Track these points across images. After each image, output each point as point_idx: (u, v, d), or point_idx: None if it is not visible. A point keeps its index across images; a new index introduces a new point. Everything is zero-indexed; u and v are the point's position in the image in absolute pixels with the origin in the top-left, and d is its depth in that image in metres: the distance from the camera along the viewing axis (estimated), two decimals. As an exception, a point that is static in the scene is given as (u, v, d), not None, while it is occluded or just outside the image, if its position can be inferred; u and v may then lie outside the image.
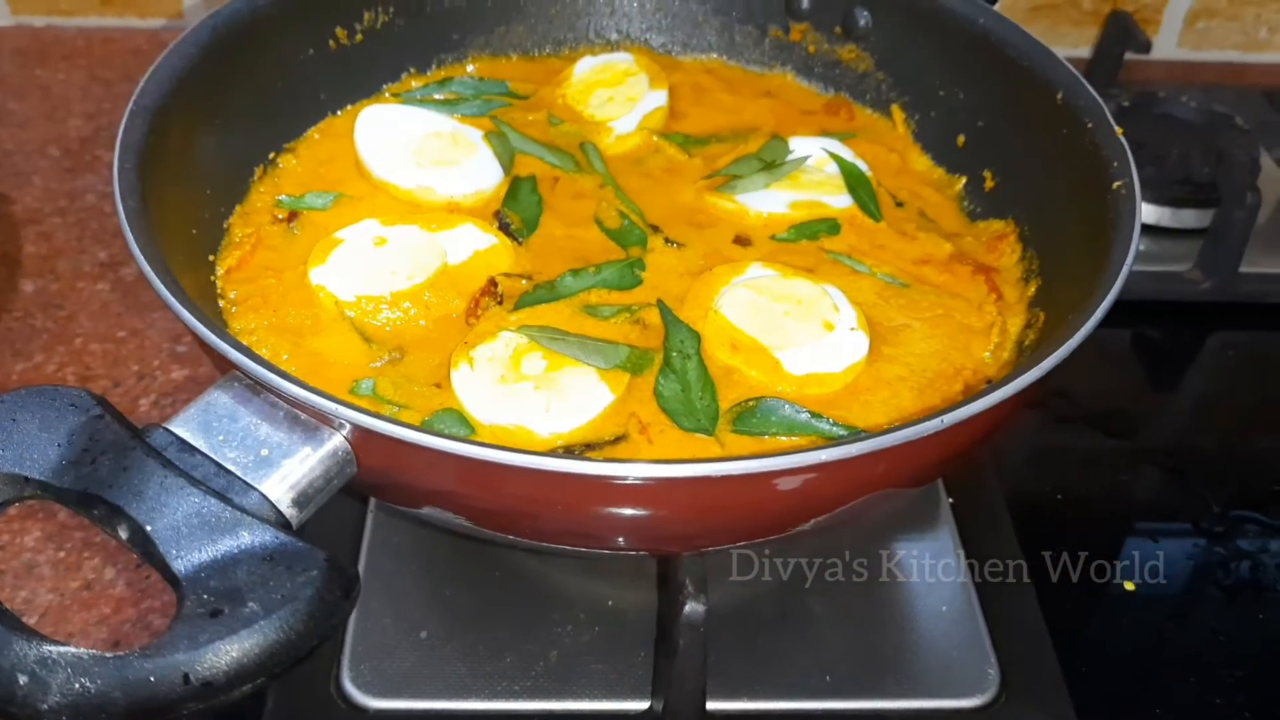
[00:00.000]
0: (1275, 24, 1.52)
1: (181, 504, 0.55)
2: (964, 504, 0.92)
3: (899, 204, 0.95)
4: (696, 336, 0.80)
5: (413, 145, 0.93)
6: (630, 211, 0.91)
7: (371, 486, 0.65)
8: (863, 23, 1.05)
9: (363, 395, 0.75)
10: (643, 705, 0.78)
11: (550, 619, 0.83)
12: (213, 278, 0.83)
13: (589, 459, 0.68)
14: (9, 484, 0.57)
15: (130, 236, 0.67)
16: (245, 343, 0.72)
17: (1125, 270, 0.70)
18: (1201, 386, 1.11)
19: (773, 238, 0.90)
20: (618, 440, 0.73)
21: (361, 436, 0.59)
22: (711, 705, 0.77)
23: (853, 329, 0.80)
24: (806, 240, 0.90)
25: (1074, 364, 0.64)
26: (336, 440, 0.60)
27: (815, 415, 0.75)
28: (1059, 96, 0.86)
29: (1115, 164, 0.79)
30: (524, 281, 0.84)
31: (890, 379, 0.79)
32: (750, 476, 0.58)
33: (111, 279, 1.12)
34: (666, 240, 0.89)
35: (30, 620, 0.82)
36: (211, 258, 0.84)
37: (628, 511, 0.62)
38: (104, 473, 0.56)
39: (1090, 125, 0.83)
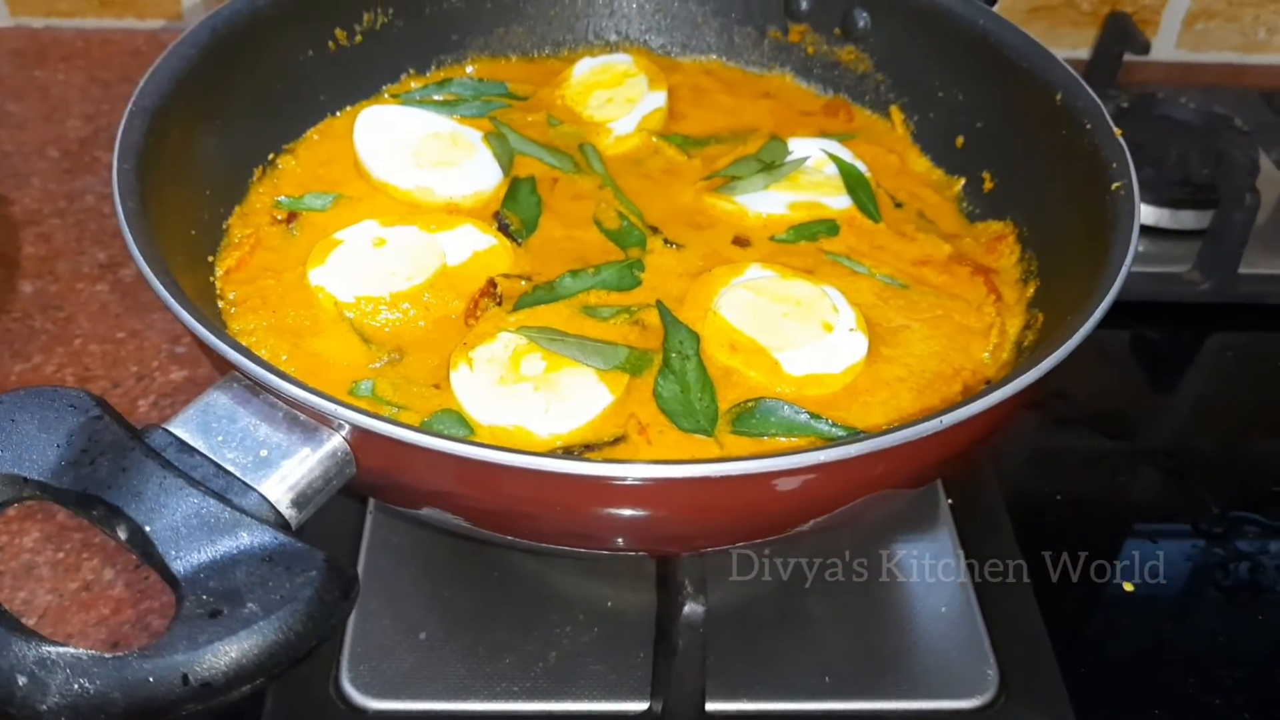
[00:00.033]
0: (1274, 25, 1.52)
1: (180, 504, 0.55)
2: (963, 505, 0.92)
3: (898, 205, 0.95)
4: (695, 337, 0.80)
5: (412, 146, 0.93)
6: (629, 212, 0.91)
7: (371, 487, 0.65)
8: (862, 24, 1.05)
9: (362, 396, 0.75)
10: (642, 706, 0.78)
11: (549, 620, 0.83)
12: (212, 279, 0.83)
13: (588, 460, 0.68)
14: (8, 485, 0.57)
15: (129, 237, 0.67)
16: (244, 344, 0.71)
17: (1124, 271, 0.70)
18: (1200, 388, 1.11)
19: (772, 239, 0.90)
20: (617, 441, 0.73)
21: (361, 437, 0.59)
22: (711, 706, 0.77)
23: (852, 330, 0.80)
24: (805, 241, 0.90)
25: (1073, 365, 0.64)
26: (336, 441, 0.60)
27: (814, 416, 0.75)
28: (1058, 98, 0.86)
29: (1114, 165, 0.79)
30: (523, 282, 0.84)
31: (889, 380, 0.79)
32: (749, 477, 0.58)
33: (110, 280, 1.12)
34: (666, 241, 0.89)
35: (29, 621, 0.82)
36: (211, 259, 0.84)
37: (627, 512, 0.62)
38: (103, 473, 0.56)
39: (1089, 126, 0.83)
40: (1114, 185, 0.77)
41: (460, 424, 0.73)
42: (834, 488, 0.64)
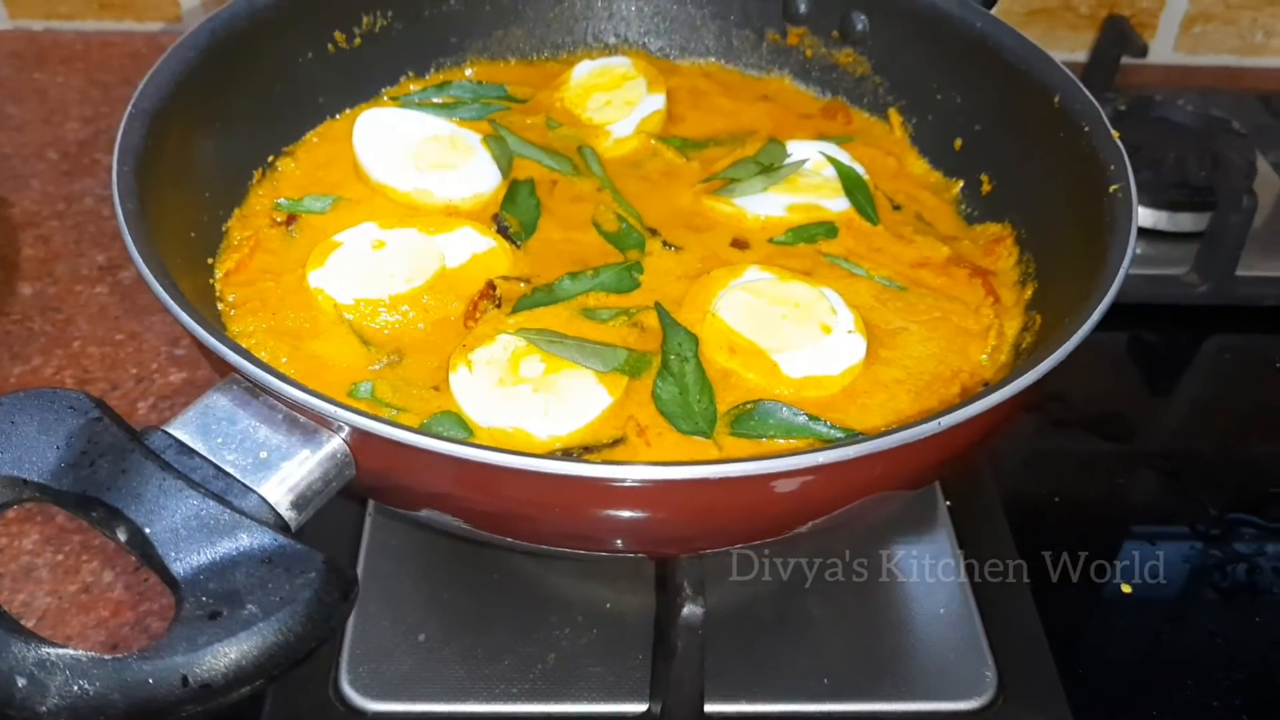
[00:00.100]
0: (1271, 28, 1.52)
1: (180, 506, 0.55)
2: (961, 507, 0.92)
3: (896, 207, 0.95)
4: (694, 339, 0.80)
5: (411, 149, 0.93)
6: (628, 215, 0.92)
7: (370, 489, 0.65)
8: (860, 27, 1.05)
9: (361, 398, 0.75)
10: (641, 708, 0.79)
11: (548, 621, 0.83)
12: (211, 281, 0.83)
13: (587, 461, 0.68)
14: (7, 486, 0.57)
15: (129, 239, 0.67)
16: (244, 345, 0.71)
17: (1122, 273, 0.70)
18: (1198, 390, 1.11)
19: (770, 241, 0.91)
20: (616, 443, 0.73)
21: (360, 439, 0.60)
22: (709, 707, 0.77)
23: (850, 332, 0.80)
24: (804, 243, 0.90)
25: (1070, 367, 0.64)
26: (335, 443, 0.60)
27: (813, 418, 0.75)
28: (1056, 100, 0.86)
29: (1112, 167, 0.79)
30: (522, 284, 0.84)
31: (888, 381, 0.79)
32: (748, 479, 0.58)
33: (110, 282, 1.12)
34: (664, 243, 0.89)
35: (29, 623, 0.82)
36: (210, 261, 0.84)
37: (626, 514, 0.63)
38: (102, 475, 0.56)
39: (1087, 129, 0.83)
40: (1112, 188, 0.78)
41: (459, 426, 0.73)
42: (832, 489, 0.64)
